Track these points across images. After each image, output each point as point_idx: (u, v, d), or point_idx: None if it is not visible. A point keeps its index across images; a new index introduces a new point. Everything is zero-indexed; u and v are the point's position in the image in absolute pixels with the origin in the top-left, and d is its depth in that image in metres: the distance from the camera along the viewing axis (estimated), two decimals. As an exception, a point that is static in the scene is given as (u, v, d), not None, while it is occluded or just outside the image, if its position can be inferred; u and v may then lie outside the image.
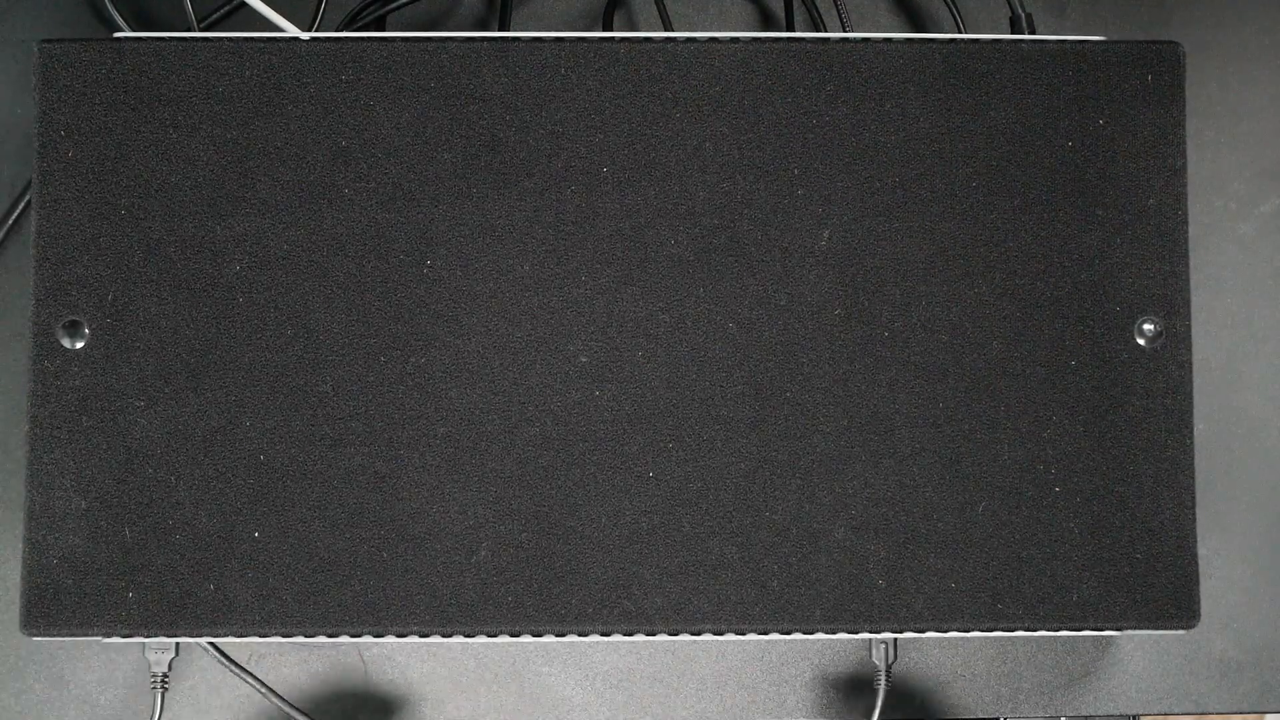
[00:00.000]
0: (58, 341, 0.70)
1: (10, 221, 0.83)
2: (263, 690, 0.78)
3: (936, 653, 0.86)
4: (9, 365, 0.84)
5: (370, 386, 0.70)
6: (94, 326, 0.70)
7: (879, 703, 0.78)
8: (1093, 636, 0.79)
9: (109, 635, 0.70)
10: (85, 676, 0.84)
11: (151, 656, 0.77)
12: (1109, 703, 0.85)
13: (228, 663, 0.78)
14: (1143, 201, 0.72)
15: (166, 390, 0.70)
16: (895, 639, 0.77)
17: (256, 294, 0.71)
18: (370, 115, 0.71)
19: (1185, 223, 0.72)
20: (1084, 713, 0.85)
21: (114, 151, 0.71)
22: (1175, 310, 0.72)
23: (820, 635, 0.71)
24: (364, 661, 0.85)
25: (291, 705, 0.79)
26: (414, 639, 0.70)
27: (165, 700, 0.80)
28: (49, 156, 0.71)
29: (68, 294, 0.70)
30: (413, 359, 0.71)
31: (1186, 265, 0.72)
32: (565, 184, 0.72)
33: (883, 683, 0.78)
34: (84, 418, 0.70)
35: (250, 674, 0.78)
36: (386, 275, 0.71)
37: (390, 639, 0.71)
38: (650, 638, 0.71)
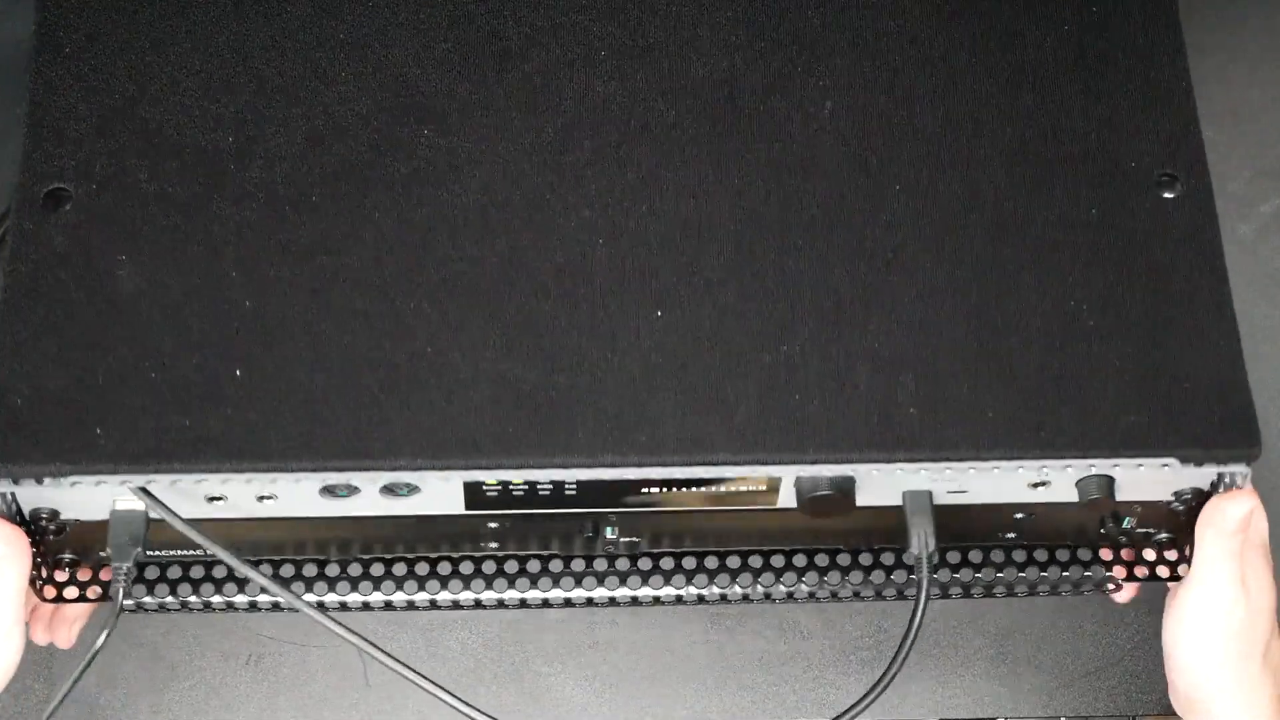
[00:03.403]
0: (40, 207, 0.69)
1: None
2: (212, 547, 0.67)
3: (936, 652, 0.86)
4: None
5: (365, 242, 0.68)
6: (80, 193, 0.69)
7: (922, 596, 0.68)
8: (1145, 469, 0.69)
9: (74, 473, 0.65)
10: (86, 677, 0.84)
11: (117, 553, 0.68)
12: (1109, 703, 0.85)
13: (181, 523, 0.67)
14: (1145, 74, 0.72)
15: (150, 249, 0.68)
16: (935, 537, 0.69)
17: (249, 163, 0.70)
18: (368, 5, 0.72)
19: (1190, 91, 0.72)
20: (1084, 713, 0.85)
21: (112, 44, 0.71)
22: (1193, 167, 0.71)
23: (852, 466, 0.66)
24: (364, 662, 0.85)
25: (240, 559, 0.68)
26: (406, 474, 0.66)
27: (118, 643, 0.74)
28: (46, 43, 0.71)
29: (56, 162, 0.70)
30: (408, 214, 0.69)
31: (1198, 127, 0.71)
32: (564, 67, 0.72)
33: (925, 574, 0.68)
34: (62, 272, 0.68)
35: (199, 531, 0.67)
36: (381, 143, 0.70)
37: (381, 477, 0.66)
38: (663, 497, 0.67)
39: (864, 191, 0.70)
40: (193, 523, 0.66)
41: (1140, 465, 0.66)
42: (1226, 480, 0.68)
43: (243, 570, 0.67)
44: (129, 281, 0.67)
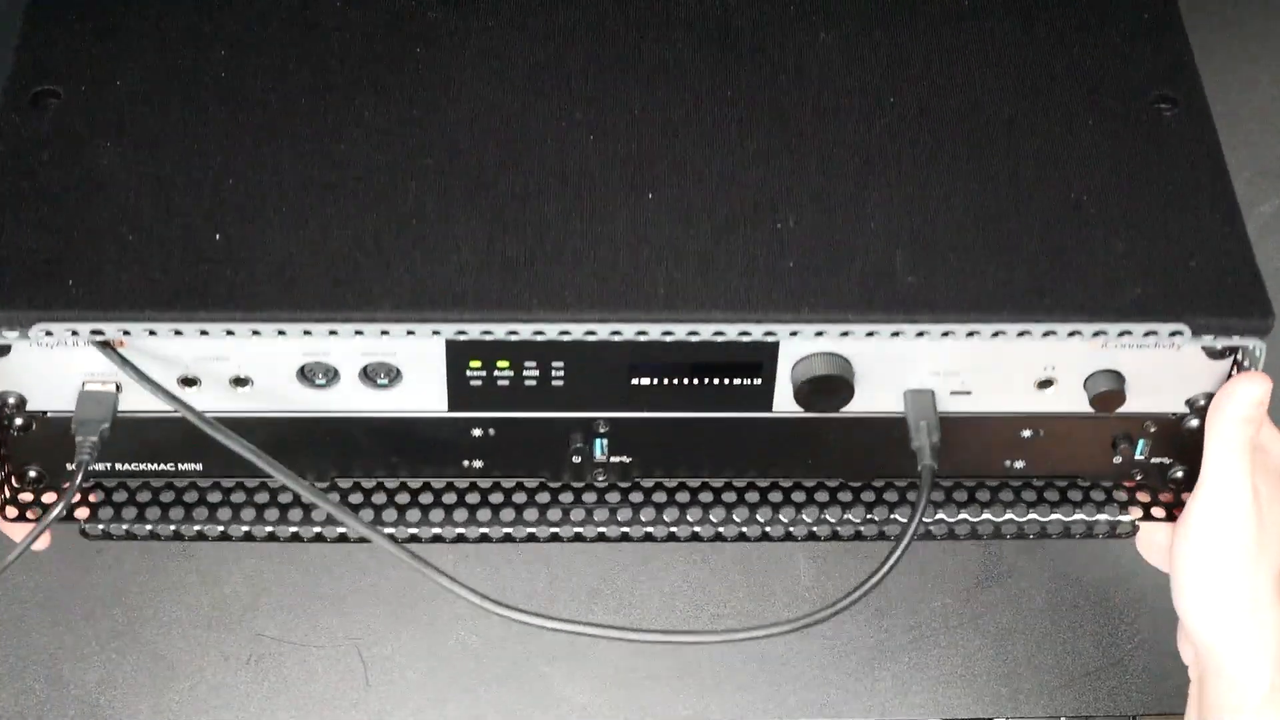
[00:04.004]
0: (29, 104, 0.70)
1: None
2: (191, 415, 0.66)
3: (936, 652, 0.86)
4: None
5: (353, 136, 0.69)
6: (69, 94, 0.70)
7: (924, 491, 0.66)
8: (1152, 338, 0.67)
9: (41, 320, 0.64)
10: (85, 676, 0.84)
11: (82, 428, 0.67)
12: (1109, 703, 0.85)
13: (148, 384, 0.65)
14: (1139, 11, 0.74)
15: (135, 138, 0.69)
16: (939, 432, 0.68)
17: (239, 73, 0.71)
18: None
19: (1182, 27, 0.73)
20: (1084, 713, 0.85)
21: None
22: (1189, 88, 0.72)
23: (848, 326, 0.64)
24: (364, 662, 0.85)
25: (233, 437, 0.66)
26: (388, 327, 0.64)
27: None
28: None
29: (46, 65, 0.71)
30: (398, 113, 0.70)
31: (1191, 54, 0.72)
32: (560, 3, 0.74)
33: (928, 461, 0.66)
34: (45, 154, 0.68)
35: (181, 400, 0.66)
36: (373, 58, 0.71)
37: (360, 345, 0.65)
38: (660, 340, 0.65)
39: (860, 108, 0.70)
40: (213, 422, 0.65)
41: (1150, 332, 0.64)
42: (1242, 365, 0.66)
43: (261, 462, 0.65)
44: (111, 158, 0.68)
